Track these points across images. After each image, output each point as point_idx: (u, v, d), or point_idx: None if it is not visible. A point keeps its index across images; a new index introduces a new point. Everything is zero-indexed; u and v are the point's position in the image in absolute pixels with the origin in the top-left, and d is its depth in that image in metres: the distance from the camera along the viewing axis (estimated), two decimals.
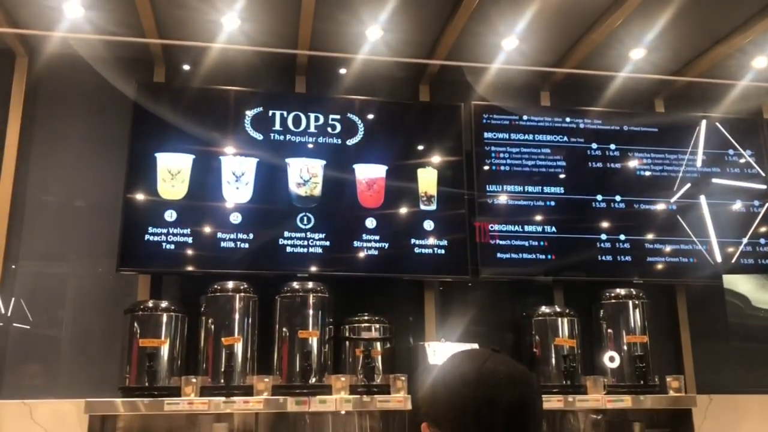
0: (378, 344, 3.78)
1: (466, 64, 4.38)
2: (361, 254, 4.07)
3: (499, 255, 4.24)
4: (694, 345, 4.54)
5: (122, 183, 3.95)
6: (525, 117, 4.54)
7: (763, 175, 4.72)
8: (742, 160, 4.73)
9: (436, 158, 4.34)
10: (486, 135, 4.45)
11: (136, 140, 4.01)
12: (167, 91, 4.24)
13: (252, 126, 4.17)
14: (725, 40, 4.25)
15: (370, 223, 4.13)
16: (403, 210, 4.22)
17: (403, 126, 4.40)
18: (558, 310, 4.10)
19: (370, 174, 4.21)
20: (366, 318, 3.84)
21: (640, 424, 3.94)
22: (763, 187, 4.69)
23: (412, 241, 4.15)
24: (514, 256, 4.25)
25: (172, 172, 4.00)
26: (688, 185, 4.59)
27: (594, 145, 4.57)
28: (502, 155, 4.43)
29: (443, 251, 4.17)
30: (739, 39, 4.18)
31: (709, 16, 4.03)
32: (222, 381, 3.52)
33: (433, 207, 4.24)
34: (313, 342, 3.68)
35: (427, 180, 4.28)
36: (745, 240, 4.53)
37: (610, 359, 4.00)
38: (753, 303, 4.35)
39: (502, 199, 4.36)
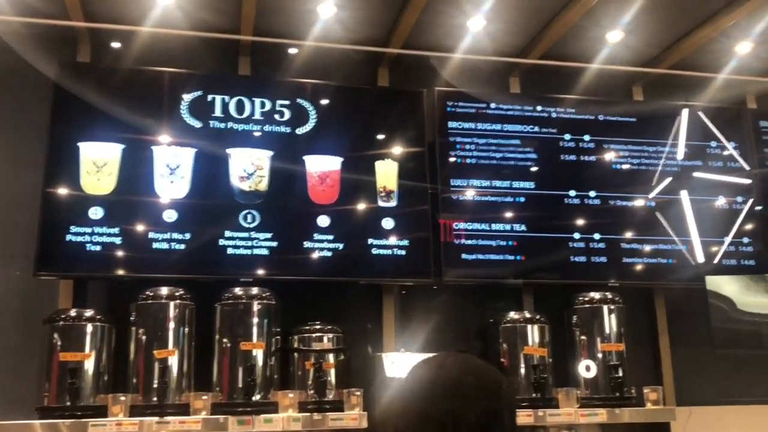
0: (330, 356, 3.71)
1: (421, 53, 4.29)
2: (313, 256, 3.97)
3: (464, 256, 4.17)
4: (674, 353, 4.54)
5: (41, 176, 3.78)
6: (493, 105, 4.46)
7: (747, 168, 4.72)
8: (726, 153, 4.73)
9: (396, 150, 4.24)
10: (450, 124, 4.37)
11: (57, 128, 3.83)
12: (93, 73, 4.07)
13: (189, 112, 4.01)
14: (708, 22, 4.22)
15: (323, 221, 4.02)
16: (360, 207, 4.12)
17: (359, 113, 4.29)
18: (527, 316, 4.05)
19: (322, 167, 4.09)
20: (317, 327, 3.77)
21: None
22: (747, 181, 4.70)
23: (370, 241, 4.06)
24: (480, 256, 4.19)
25: (98, 164, 3.82)
26: (669, 180, 4.57)
27: (567, 136, 4.52)
28: (468, 147, 4.36)
29: (404, 252, 4.08)
30: (722, 21, 4.14)
31: None
32: (155, 399, 3.40)
33: (392, 203, 4.14)
34: (258, 354, 3.60)
35: (386, 174, 4.17)
36: (728, 239, 4.53)
37: (587, 368, 3.96)
38: (738, 306, 4.34)
39: (468, 194, 4.29)
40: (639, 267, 4.38)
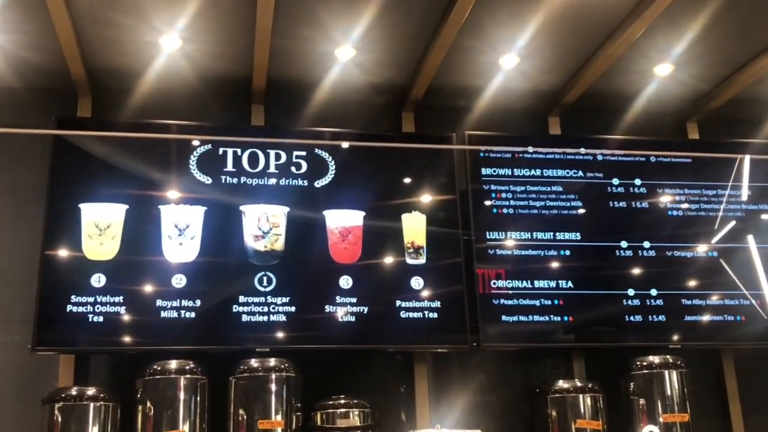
0: None
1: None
2: (335, 321, 4.03)
3: (504, 317, 4.21)
4: (747, 421, 4.50)
5: (39, 241, 3.90)
6: (531, 148, 4.54)
7: None
8: None
9: (425, 200, 4.33)
10: (484, 171, 4.46)
11: (57, 188, 3.99)
12: (94, 128, 4.22)
13: (199, 167, 4.15)
14: None
15: (345, 282, 4.10)
16: (386, 264, 4.20)
17: (383, 163, 4.39)
18: (578, 384, 4.08)
19: (343, 222, 4.18)
20: (342, 401, 3.82)
21: None
22: None
23: (398, 302, 4.13)
24: (522, 318, 4.22)
25: (101, 227, 3.95)
26: (732, 225, 4.60)
27: (615, 181, 4.58)
28: (504, 195, 4.44)
29: (436, 314, 4.14)
30: None
31: (748, 23, 4.05)
32: None
33: (422, 260, 4.21)
34: None
35: (414, 228, 4.26)
36: None
37: None
38: None
39: (506, 247, 4.34)
40: (703, 325, 4.38)
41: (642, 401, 4.07)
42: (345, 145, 4.35)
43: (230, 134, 4.29)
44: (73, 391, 3.64)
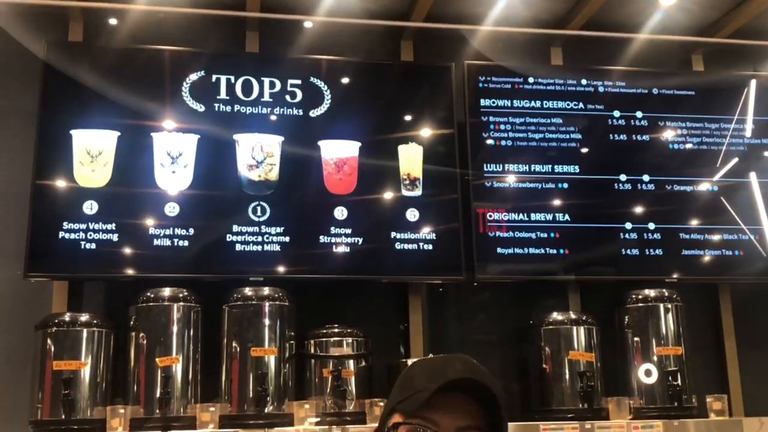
0: (351, 362, 3.80)
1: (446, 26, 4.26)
2: (329, 252, 4.05)
3: (500, 250, 4.22)
4: (742, 357, 4.53)
5: (30, 168, 3.90)
6: (531, 79, 4.51)
7: None
8: None
9: (422, 132, 4.32)
10: (483, 102, 4.43)
11: (47, 114, 3.96)
12: (86, 53, 4.19)
13: (192, 94, 4.12)
14: None
15: (340, 213, 4.10)
16: (381, 196, 4.21)
17: (380, 92, 4.39)
18: (573, 316, 4.10)
19: (339, 152, 4.17)
20: (336, 330, 3.86)
21: None
22: None
23: (393, 234, 4.14)
24: (518, 251, 4.24)
25: (92, 154, 3.94)
26: (735, 160, 4.57)
27: (616, 113, 4.55)
28: (502, 127, 4.41)
29: (431, 246, 4.16)
30: None
31: None
32: (157, 411, 3.51)
33: (417, 192, 4.22)
34: (270, 361, 3.69)
35: (411, 159, 4.25)
36: None
37: (647, 373, 3.99)
38: None
39: (504, 181, 4.35)
40: (701, 260, 4.39)
41: (636, 335, 4.09)
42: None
43: (223, 61, 4.25)
44: (66, 317, 3.67)
